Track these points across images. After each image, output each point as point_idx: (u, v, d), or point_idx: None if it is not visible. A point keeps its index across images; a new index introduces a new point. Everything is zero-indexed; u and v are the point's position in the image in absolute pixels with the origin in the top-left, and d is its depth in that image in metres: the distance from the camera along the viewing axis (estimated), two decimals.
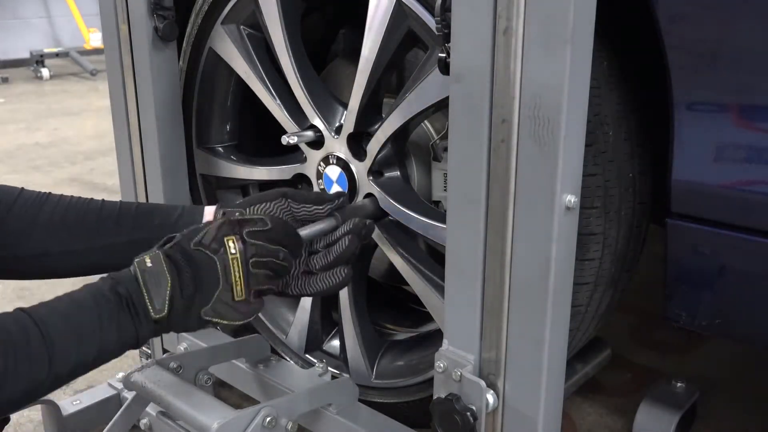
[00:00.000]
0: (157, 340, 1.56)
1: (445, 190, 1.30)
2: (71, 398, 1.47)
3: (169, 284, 0.87)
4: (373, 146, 1.23)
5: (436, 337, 1.15)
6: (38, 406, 1.40)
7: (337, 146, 1.28)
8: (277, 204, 1.07)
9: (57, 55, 6.57)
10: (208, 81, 1.49)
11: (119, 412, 1.19)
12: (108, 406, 1.47)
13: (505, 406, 0.92)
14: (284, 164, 1.40)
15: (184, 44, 1.47)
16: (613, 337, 1.57)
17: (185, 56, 1.48)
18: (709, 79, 0.91)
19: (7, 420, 1.14)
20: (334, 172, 1.29)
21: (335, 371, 1.43)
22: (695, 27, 0.90)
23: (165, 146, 1.40)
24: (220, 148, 1.55)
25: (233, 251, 0.90)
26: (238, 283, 0.91)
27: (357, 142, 1.27)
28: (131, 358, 1.76)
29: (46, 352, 0.79)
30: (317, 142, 1.31)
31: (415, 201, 1.25)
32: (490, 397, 0.91)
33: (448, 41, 0.86)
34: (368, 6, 1.16)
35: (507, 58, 0.81)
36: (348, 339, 1.38)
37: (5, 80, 6.05)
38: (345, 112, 1.27)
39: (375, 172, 1.26)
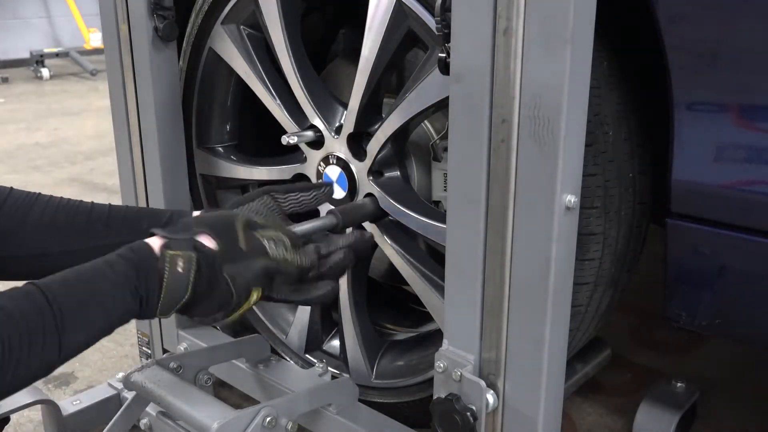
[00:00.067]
0: (157, 340, 1.56)
1: (445, 190, 1.30)
2: (71, 398, 1.47)
3: (185, 300, 0.88)
4: (373, 146, 1.23)
5: (436, 337, 1.15)
6: (38, 406, 1.40)
7: (337, 146, 1.28)
8: (262, 202, 1.06)
9: (57, 55, 6.57)
10: (208, 81, 1.49)
11: (119, 412, 1.19)
12: (108, 406, 1.47)
13: (505, 406, 0.92)
14: (284, 164, 1.40)
15: (184, 44, 1.47)
16: (613, 337, 1.57)
17: (185, 56, 1.48)
18: (709, 79, 0.91)
19: (7, 420, 1.15)
20: (334, 172, 1.29)
21: (335, 371, 1.43)
22: (695, 27, 0.90)
23: (165, 146, 1.40)
24: (220, 148, 1.55)
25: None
26: (240, 311, 0.94)
27: (357, 142, 1.27)
28: (131, 358, 1.76)
29: (57, 343, 0.78)
30: (317, 142, 1.31)
31: (415, 201, 1.25)
32: (490, 397, 0.92)
33: (448, 41, 0.86)
34: (368, 6, 1.16)
35: (507, 58, 0.81)
36: (348, 339, 1.39)
37: (5, 80, 6.05)
38: (345, 112, 1.27)
39: (375, 172, 1.26)
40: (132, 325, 1.64)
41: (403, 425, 1.24)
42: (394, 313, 1.58)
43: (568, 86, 0.78)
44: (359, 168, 1.26)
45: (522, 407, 0.90)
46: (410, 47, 1.25)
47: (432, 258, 1.28)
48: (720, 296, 1.00)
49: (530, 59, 0.79)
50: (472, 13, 0.82)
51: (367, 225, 1.27)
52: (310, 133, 1.31)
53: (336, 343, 1.50)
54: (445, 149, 1.28)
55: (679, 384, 1.35)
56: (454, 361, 0.94)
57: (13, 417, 1.22)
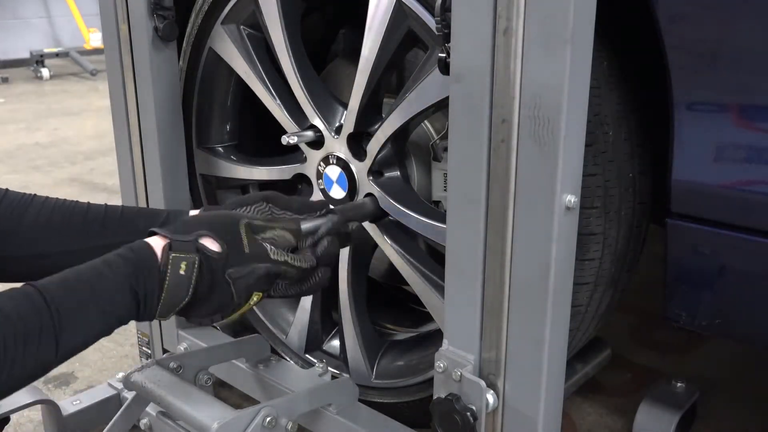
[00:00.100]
0: (157, 340, 1.56)
1: (445, 190, 1.30)
2: (71, 398, 1.47)
3: (185, 302, 0.88)
4: (373, 146, 1.23)
5: (436, 337, 1.15)
6: (38, 406, 1.40)
7: (337, 146, 1.28)
8: (258, 207, 1.04)
9: (57, 55, 6.58)
10: (208, 81, 1.49)
11: (119, 412, 1.19)
12: (108, 406, 1.47)
13: (505, 406, 0.92)
14: (284, 164, 1.40)
15: (184, 44, 1.47)
16: (613, 337, 1.57)
17: (185, 56, 1.48)
18: (709, 79, 0.91)
19: (7, 420, 1.15)
20: (334, 172, 1.29)
21: (335, 371, 1.43)
22: (695, 27, 0.90)
23: (165, 146, 1.40)
24: (220, 148, 1.55)
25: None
26: (240, 312, 0.94)
27: (357, 142, 1.27)
28: (131, 358, 1.76)
29: (54, 343, 0.78)
30: (317, 142, 1.31)
31: (415, 201, 1.25)
32: (490, 397, 0.92)
33: (448, 41, 0.86)
34: (368, 6, 1.16)
35: (507, 58, 0.81)
36: (348, 339, 1.39)
37: (5, 80, 6.06)
38: (345, 112, 1.27)
39: (375, 172, 1.26)
40: (132, 325, 1.64)
41: (403, 425, 1.24)
42: (394, 313, 1.58)
43: (568, 86, 0.78)
44: (359, 168, 1.26)
45: (522, 407, 0.90)
46: (410, 47, 1.25)
47: (432, 258, 1.28)
48: (720, 296, 1.00)
49: (530, 59, 0.79)
50: (472, 13, 0.82)
51: (367, 225, 1.27)
52: (310, 133, 1.31)
53: (336, 343, 1.50)
54: (445, 149, 1.28)
55: (679, 384, 1.35)
56: (454, 361, 0.94)
57: (13, 417, 1.22)
